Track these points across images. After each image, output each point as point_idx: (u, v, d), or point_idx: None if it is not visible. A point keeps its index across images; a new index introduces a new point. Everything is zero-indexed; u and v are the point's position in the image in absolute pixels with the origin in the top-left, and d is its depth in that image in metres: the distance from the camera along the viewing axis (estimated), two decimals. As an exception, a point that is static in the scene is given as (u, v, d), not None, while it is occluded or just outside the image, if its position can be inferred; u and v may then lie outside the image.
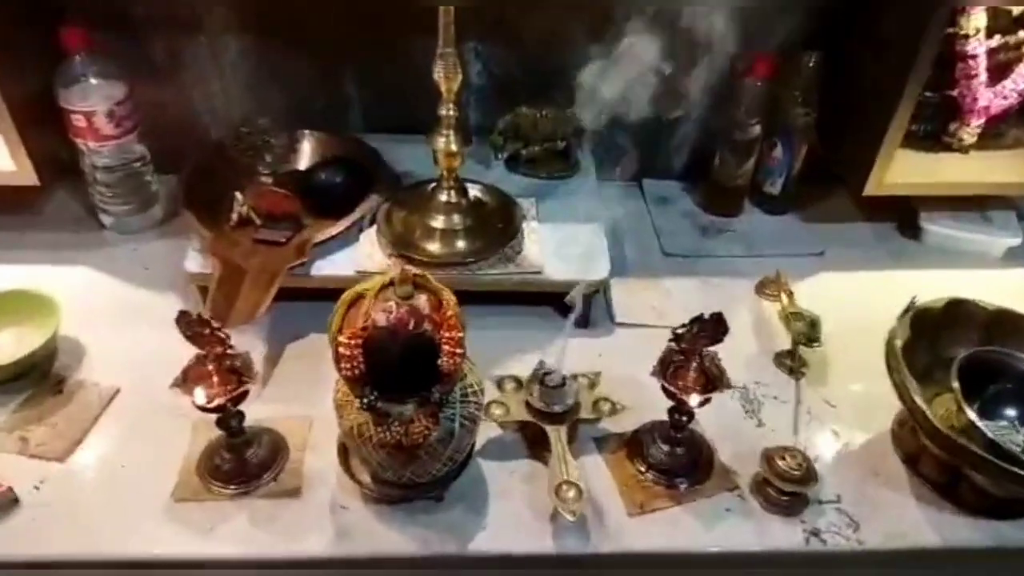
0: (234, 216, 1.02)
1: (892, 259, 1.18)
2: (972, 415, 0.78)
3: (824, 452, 0.88)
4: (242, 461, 0.80)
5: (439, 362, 0.67)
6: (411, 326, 0.66)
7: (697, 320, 0.77)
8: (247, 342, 0.93)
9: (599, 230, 1.05)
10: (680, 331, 0.79)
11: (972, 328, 0.90)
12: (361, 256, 0.98)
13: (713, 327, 0.77)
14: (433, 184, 1.02)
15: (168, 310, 0.75)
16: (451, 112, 0.92)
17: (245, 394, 0.76)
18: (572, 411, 0.84)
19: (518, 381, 0.89)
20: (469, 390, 0.74)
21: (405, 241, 1.00)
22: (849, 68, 1.12)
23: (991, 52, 1.08)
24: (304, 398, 0.89)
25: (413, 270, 0.68)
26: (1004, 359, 0.86)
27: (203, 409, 0.74)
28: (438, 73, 0.88)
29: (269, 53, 1.14)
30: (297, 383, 0.92)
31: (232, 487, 0.79)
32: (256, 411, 0.83)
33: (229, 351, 0.75)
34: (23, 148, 0.98)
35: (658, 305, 1.06)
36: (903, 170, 1.09)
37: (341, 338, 0.66)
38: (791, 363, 0.97)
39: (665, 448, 0.84)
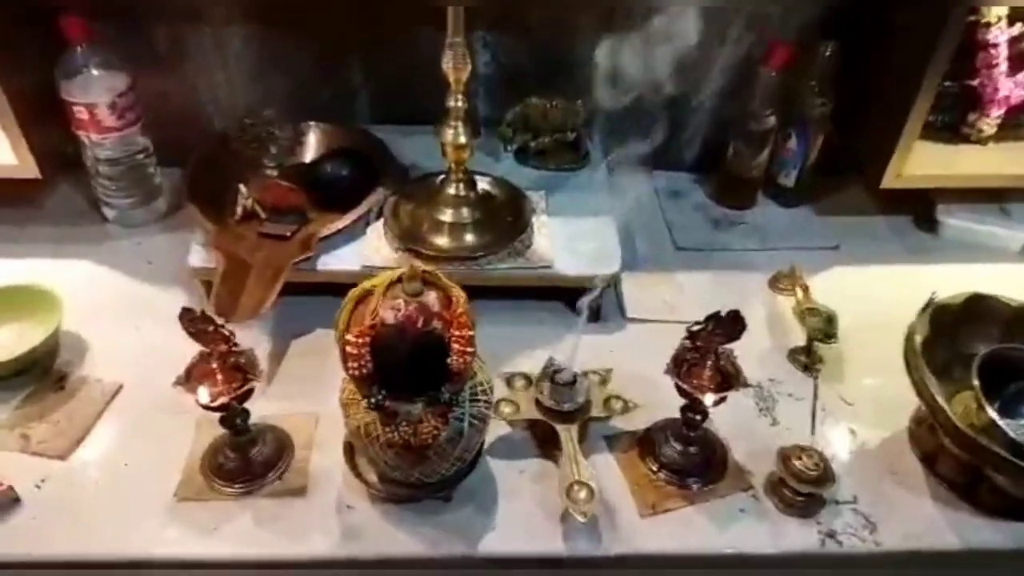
0: (238, 210, 1.01)
1: (908, 253, 1.16)
2: (993, 414, 0.77)
3: (840, 451, 0.87)
4: (246, 459, 0.80)
5: (449, 361, 0.66)
6: (420, 324, 0.65)
7: (713, 318, 0.76)
8: (252, 338, 0.93)
9: (611, 223, 1.03)
10: (695, 329, 0.77)
11: (993, 324, 0.88)
12: (368, 250, 0.97)
13: (730, 325, 0.75)
14: (441, 177, 1.01)
15: (172, 305, 0.75)
16: (460, 103, 0.91)
17: (250, 392, 0.75)
18: (583, 409, 0.83)
19: (528, 378, 0.87)
20: (479, 389, 0.73)
21: (412, 235, 0.99)
22: (866, 57, 1.11)
23: (1012, 41, 1.07)
24: (310, 395, 0.88)
25: (422, 266, 0.67)
26: (1026, 356, 0.84)
27: (207, 408, 0.73)
28: (447, 63, 0.87)
29: (274, 42, 1.13)
30: (303, 380, 0.91)
31: (236, 486, 0.79)
32: (261, 408, 0.82)
33: (233, 348, 0.75)
34: (24, 141, 0.98)
35: (670, 300, 1.05)
36: (921, 162, 1.08)
37: (348, 336, 0.65)
38: (806, 360, 0.96)
39: (678, 447, 0.83)
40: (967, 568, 0.83)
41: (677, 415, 0.82)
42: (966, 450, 0.77)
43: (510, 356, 0.93)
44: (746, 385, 0.77)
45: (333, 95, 1.19)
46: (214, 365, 0.74)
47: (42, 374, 0.89)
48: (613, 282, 1.02)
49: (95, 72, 1.01)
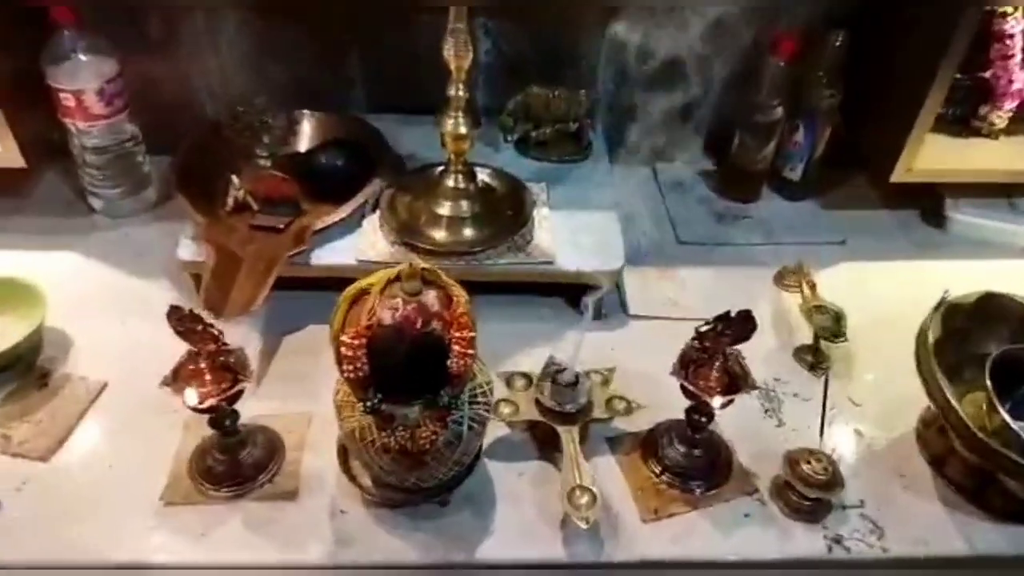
0: (230, 201, 0.99)
1: (916, 249, 1.14)
2: (1007, 417, 0.75)
3: (847, 453, 0.85)
4: (236, 462, 0.78)
5: (448, 363, 0.64)
6: (419, 325, 0.63)
7: (723, 318, 0.74)
8: (242, 334, 0.91)
9: (613, 217, 1.02)
10: (704, 329, 0.75)
11: (1004, 324, 0.87)
12: (363, 244, 0.96)
13: (741, 326, 0.73)
14: (440, 168, 0.99)
15: (160, 300, 0.74)
16: (461, 92, 0.89)
17: (239, 393, 0.73)
18: (585, 411, 0.81)
19: (528, 378, 0.85)
20: (478, 391, 0.71)
21: (410, 228, 0.97)
22: (877, 48, 1.09)
23: (1027, 32, 1.04)
24: (302, 394, 0.86)
25: (422, 264, 0.65)
26: (1039, 357, 0.83)
27: (195, 410, 0.71)
28: (448, 51, 0.85)
29: (268, 28, 1.12)
30: (295, 378, 0.89)
31: (225, 489, 0.77)
32: (251, 408, 0.80)
33: (223, 347, 0.72)
34: (9, 129, 0.97)
35: (673, 296, 1.03)
36: (931, 156, 1.06)
37: (344, 338, 0.62)
38: (812, 359, 0.94)
39: (682, 449, 0.81)
40: (976, 574, 0.81)
41: (680, 415, 0.80)
42: (977, 453, 0.76)
43: (509, 354, 0.92)
44: (755, 387, 0.75)
45: (329, 83, 1.17)
46: (203, 365, 0.72)
47: (24, 371, 0.88)
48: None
49: (83, 57, 0.99)
